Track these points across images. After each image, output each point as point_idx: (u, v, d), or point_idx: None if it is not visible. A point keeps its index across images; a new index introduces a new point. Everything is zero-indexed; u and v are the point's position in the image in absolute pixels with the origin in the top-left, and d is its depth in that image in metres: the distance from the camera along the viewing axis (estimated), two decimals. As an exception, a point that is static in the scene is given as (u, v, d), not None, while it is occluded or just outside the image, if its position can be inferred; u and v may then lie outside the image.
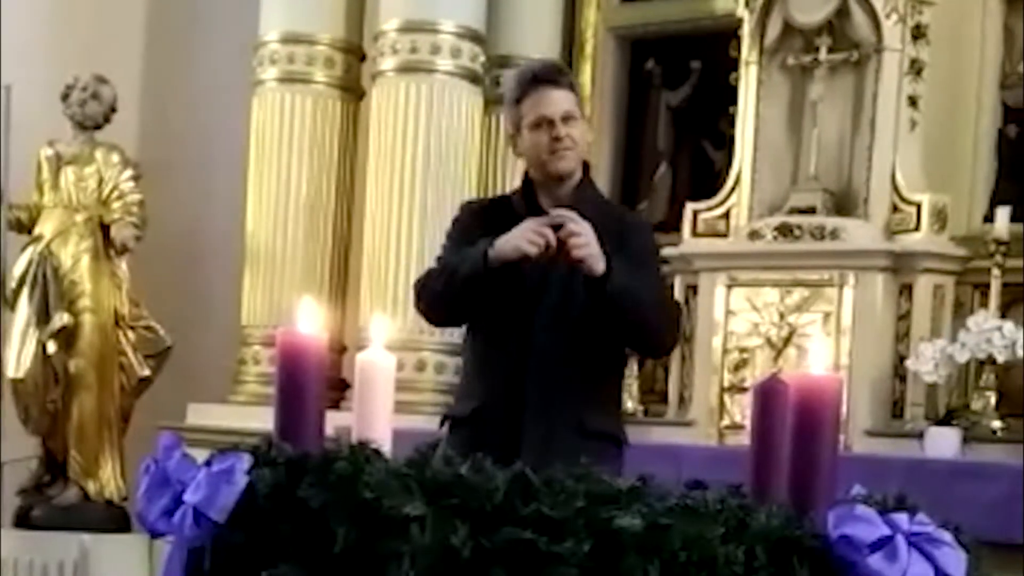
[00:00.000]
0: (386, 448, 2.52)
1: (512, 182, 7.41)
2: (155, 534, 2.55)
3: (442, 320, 4.34)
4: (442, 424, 4.18)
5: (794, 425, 2.36)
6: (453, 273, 3.97)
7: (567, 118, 3.99)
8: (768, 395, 2.49)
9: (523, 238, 3.84)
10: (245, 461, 2.47)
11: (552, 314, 3.96)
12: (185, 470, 2.52)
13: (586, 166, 4.12)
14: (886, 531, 2.25)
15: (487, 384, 4.04)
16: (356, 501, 2.35)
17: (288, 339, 2.56)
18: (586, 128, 4.12)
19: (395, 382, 2.69)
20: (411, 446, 2.48)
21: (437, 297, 4.05)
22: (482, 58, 7.73)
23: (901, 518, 2.27)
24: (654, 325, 4.02)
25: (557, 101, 4.00)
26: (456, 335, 7.51)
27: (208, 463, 2.50)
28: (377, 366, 2.66)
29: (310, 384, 2.54)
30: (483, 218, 4.11)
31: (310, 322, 2.56)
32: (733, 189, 6.95)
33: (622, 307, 3.88)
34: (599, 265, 3.83)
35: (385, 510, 2.32)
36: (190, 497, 2.46)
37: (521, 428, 3.88)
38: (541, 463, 2.39)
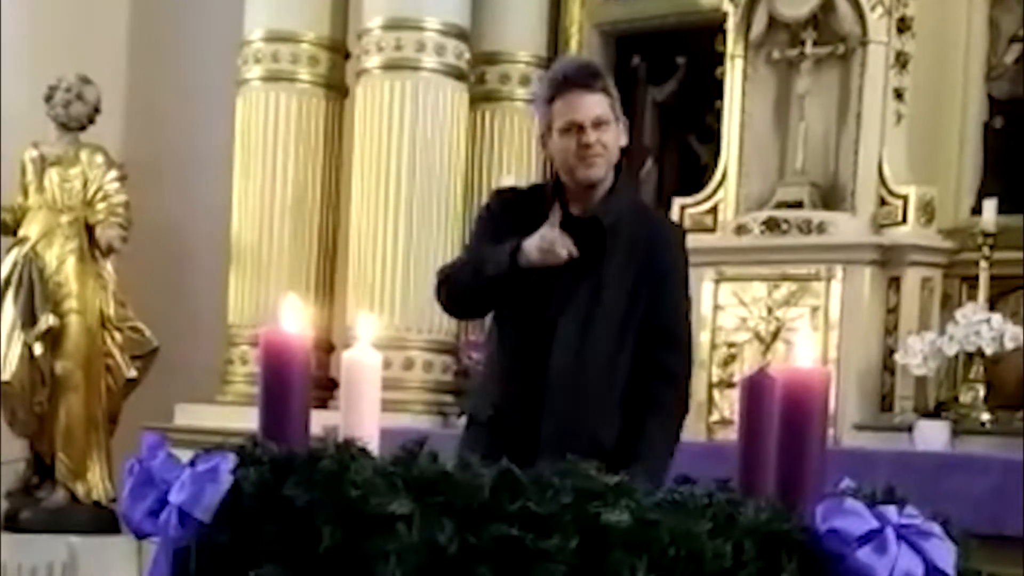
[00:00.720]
0: (373, 447, 2.51)
1: (497, 178, 7.44)
2: (140, 535, 2.54)
3: (461, 313, 4.34)
4: (468, 425, 4.13)
5: (782, 419, 2.35)
6: (478, 271, 3.92)
7: (598, 123, 3.88)
8: (756, 389, 2.48)
9: (549, 248, 3.81)
10: (230, 460, 2.46)
11: (573, 322, 3.90)
12: (169, 470, 2.51)
13: (619, 169, 4.00)
14: (875, 524, 2.24)
15: (500, 391, 3.99)
16: (342, 500, 2.34)
17: (272, 338, 2.55)
18: (620, 132, 3.96)
19: (382, 380, 2.68)
20: (399, 445, 2.46)
21: (460, 292, 4.02)
22: (467, 55, 7.71)
23: (890, 511, 2.26)
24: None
25: (588, 106, 3.87)
26: (445, 333, 7.54)
27: (192, 463, 2.49)
28: (363, 364, 2.65)
29: (295, 382, 2.53)
30: (514, 210, 4.02)
31: (294, 320, 2.54)
32: (720, 184, 6.95)
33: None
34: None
35: (371, 508, 2.32)
36: (175, 497, 2.45)
37: (538, 433, 3.82)
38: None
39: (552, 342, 3.89)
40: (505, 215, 4.02)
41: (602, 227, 3.91)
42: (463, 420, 4.20)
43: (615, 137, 3.93)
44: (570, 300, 3.90)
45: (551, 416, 3.87)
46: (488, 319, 4.21)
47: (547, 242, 3.82)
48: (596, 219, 3.92)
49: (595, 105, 3.89)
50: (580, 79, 3.91)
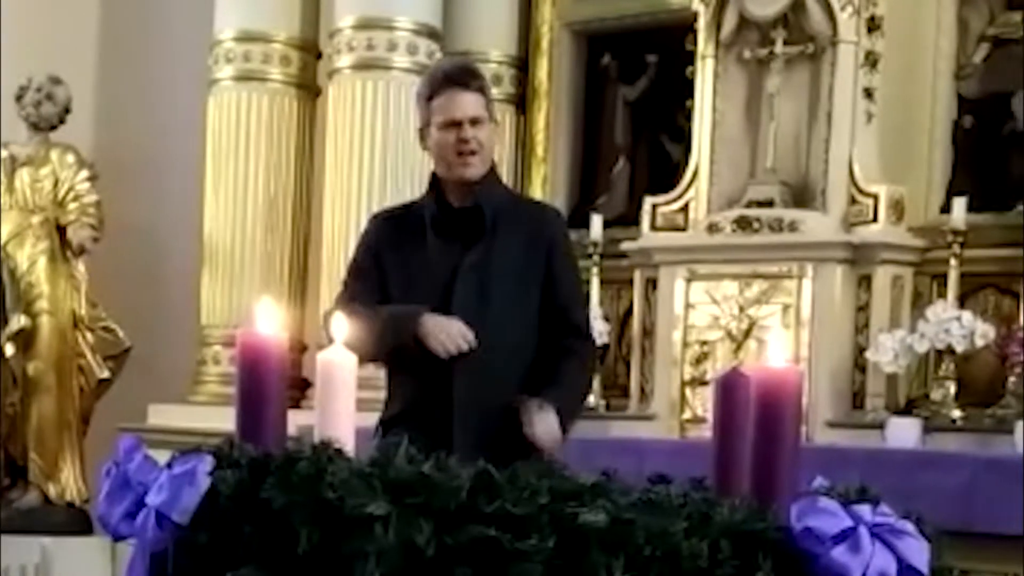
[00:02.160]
0: (349, 447, 2.52)
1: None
2: (117, 537, 2.54)
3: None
4: (376, 431, 4.17)
5: (755, 418, 2.37)
6: (380, 340, 3.94)
7: (475, 122, 4.06)
8: (729, 388, 2.50)
9: (448, 341, 3.94)
10: (207, 462, 2.46)
11: (467, 311, 4.01)
12: (146, 472, 2.51)
13: (492, 167, 4.17)
14: (849, 523, 2.26)
15: (412, 385, 4.09)
16: (319, 501, 2.35)
17: (248, 340, 2.55)
18: (494, 132, 4.18)
19: (356, 380, 2.69)
20: (373, 444, 2.47)
21: (354, 350, 4.05)
22: (439, 54, 7.71)
23: (864, 510, 2.28)
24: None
25: (465, 104, 4.06)
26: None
27: (169, 465, 2.49)
28: (338, 365, 2.66)
29: (271, 385, 2.54)
30: (393, 229, 4.18)
31: (270, 323, 2.55)
32: (691, 183, 6.96)
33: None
34: (556, 445, 3.97)
35: (348, 510, 2.32)
36: (152, 499, 2.45)
37: (451, 427, 3.90)
38: (473, 459, 2.42)
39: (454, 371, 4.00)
40: (383, 238, 4.18)
41: (482, 213, 4.06)
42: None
43: (489, 136, 4.13)
44: (464, 291, 4.02)
45: (464, 406, 3.97)
46: None
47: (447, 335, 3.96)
48: (478, 207, 4.07)
49: (472, 104, 4.07)
50: (459, 78, 4.12)
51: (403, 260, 4.11)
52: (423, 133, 4.15)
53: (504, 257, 4.06)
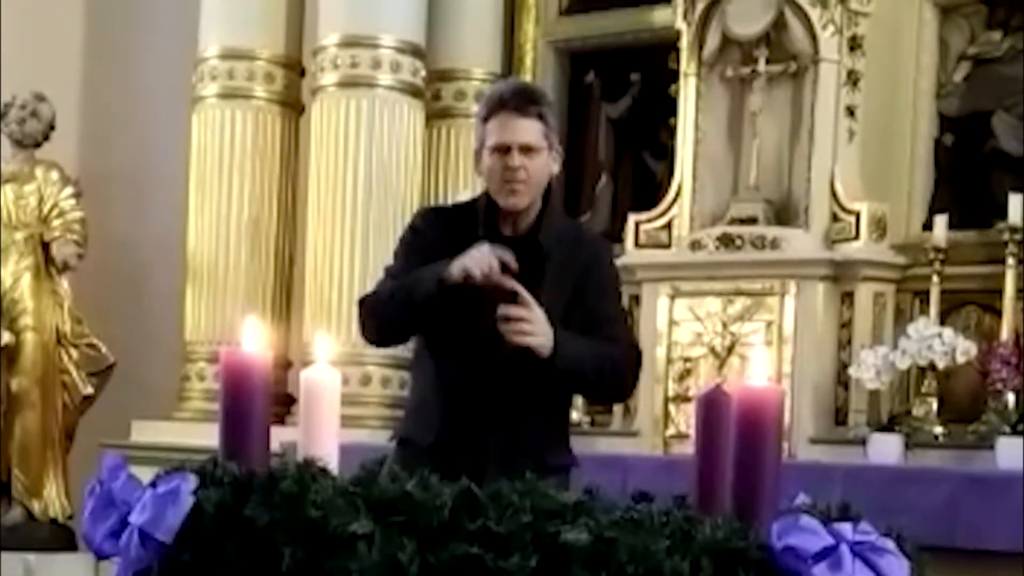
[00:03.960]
0: (333, 465, 2.53)
1: (454, 195, 7.44)
2: (102, 556, 2.54)
3: (386, 341, 4.20)
4: (398, 445, 4.03)
5: (737, 436, 2.38)
6: (409, 298, 3.82)
7: (527, 149, 3.84)
8: (711, 406, 2.51)
9: (472, 263, 3.70)
10: (191, 481, 2.46)
11: (516, 356, 3.80)
12: (130, 491, 2.52)
13: (548, 194, 3.95)
14: (830, 541, 2.27)
15: (447, 415, 3.91)
16: (303, 520, 2.35)
17: (232, 359, 2.55)
18: (551, 161, 3.90)
19: (340, 397, 2.69)
20: (357, 461, 2.48)
21: (390, 320, 3.93)
22: (423, 72, 7.73)
23: (845, 527, 2.29)
24: (602, 388, 4.02)
25: (518, 130, 3.83)
26: (402, 349, 7.51)
27: (153, 484, 2.49)
28: (322, 384, 2.66)
29: (255, 404, 2.54)
30: (442, 229, 3.96)
31: (254, 341, 2.56)
32: (674, 200, 6.98)
33: (569, 379, 3.85)
34: (544, 350, 3.74)
35: (332, 528, 2.33)
36: (136, 518, 2.46)
37: (484, 468, 3.79)
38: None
39: (494, 366, 3.83)
40: (434, 234, 3.95)
41: (540, 247, 3.88)
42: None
43: (544, 165, 3.89)
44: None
45: (498, 442, 3.82)
46: (415, 342, 4.11)
47: (473, 259, 3.71)
48: (533, 238, 3.89)
49: (526, 131, 3.85)
50: (516, 102, 3.87)
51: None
52: (478, 155, 3.94)
53: (552, 295, 3.84)
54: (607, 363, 3.88)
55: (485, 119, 3.90)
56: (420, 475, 2.38)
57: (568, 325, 3.83)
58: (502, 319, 3.71)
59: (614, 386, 4.06)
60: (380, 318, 3.95)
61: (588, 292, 3.90)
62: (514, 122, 3.84)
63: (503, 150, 3.84)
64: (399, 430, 4.12)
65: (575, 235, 4.08)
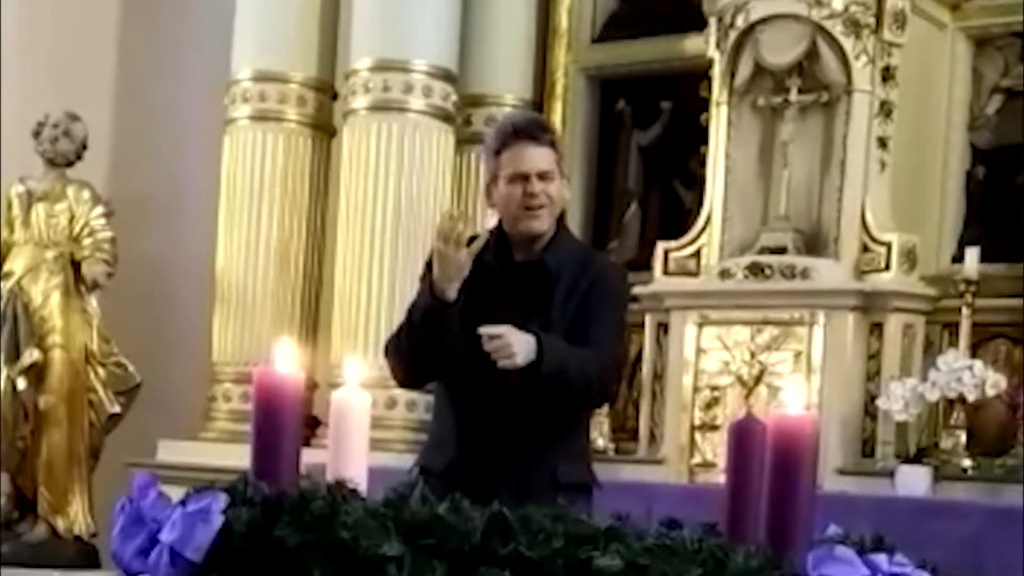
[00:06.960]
0: (362, 487, 2.52)
1: (483, 220, 7.44)
2: (130, 573, 2.54)
3: (415, 378, 4.24)
4: (420, 475, 4.10)
5: (771, 465, 2.37)
6: (410, 326, 3.95)
7: (544, 176, 3.96)
8: (744, 434, 2.50)
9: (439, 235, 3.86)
10: (221, 500, 2.46)
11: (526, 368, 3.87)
12: (160, 509, 2.51)
13: (561, 220, 4.06)
14: (866, 572, 2.26)
15: (461, 436, 4.01)
16: (333, 541, 2.35)
17: (265, 379, 2.55)
18: (564, 186, 4.06)
19: (370, 420, 2.69)
20: (383, 484, 2.47)
21: (404, 356, 4.02)
22: (454, 97, 7.75)
23: (880, 559, 2.27)
24: (584, 397, 4.03)
25: (534, 158, 3.96)
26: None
27: (183, 502, 2.49)
28: (352, 406, 2.66)
29: (287, 424, 2.54)
30: None
31: (287, 362, 2.56)
32: (704, 228, 6.98)
33: (551, 388, 3.88)
34: (525, 360, 3.79)
35: (362, 550, 2.32)
36: (166, 536, 2.45)
37: (496, 482, 3.82)
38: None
39: (504, 387, 3.88)
40: None
41: (547, 271, 3.97)
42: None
43: (559, 190, 4.01)
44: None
45: (511, 462, 3.89)
46: None
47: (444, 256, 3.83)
48: (542, 264, 3.98)
49: (541, 158, 3.98)
50: (528, 131, 4.01)
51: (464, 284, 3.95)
52: (489, 188, 4.03)
53: (558, 318, 3.95)
54: (588, 364, 3.94)
55: (498, 151, 4.01)
56: (451, 498, 2.38)
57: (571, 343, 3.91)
58: (486, 342, 3.80)
59: (595, 391, 4.07)
60: (399, 356, 4.06)
61: (590, 305, 3.98)
62: (530, 151, 3.97)
63: (522, 178, 3.95)
64: (419, 459, 4.17)
65: (584, 257, 4.15)
